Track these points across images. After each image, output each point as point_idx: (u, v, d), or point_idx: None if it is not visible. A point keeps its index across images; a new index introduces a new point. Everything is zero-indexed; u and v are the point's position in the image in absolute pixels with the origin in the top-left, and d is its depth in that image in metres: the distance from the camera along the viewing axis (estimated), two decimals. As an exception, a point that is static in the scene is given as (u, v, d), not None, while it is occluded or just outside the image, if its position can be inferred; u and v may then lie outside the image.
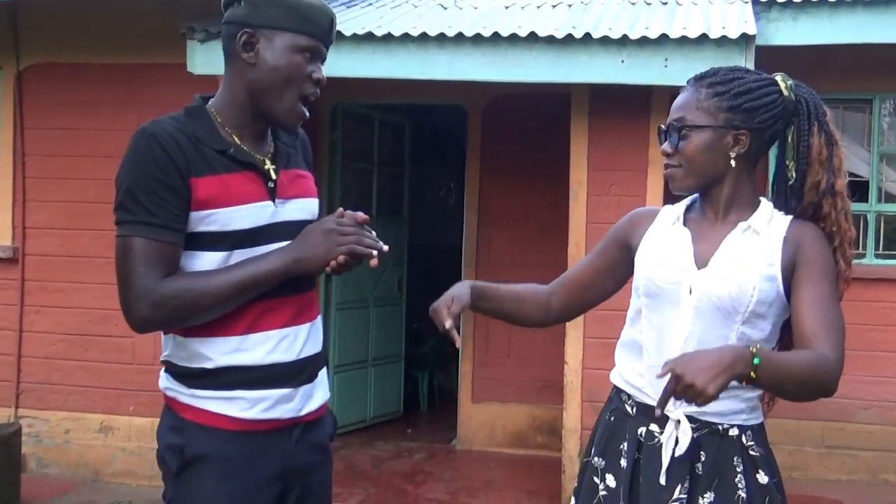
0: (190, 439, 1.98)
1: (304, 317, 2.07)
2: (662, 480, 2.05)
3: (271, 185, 2.02)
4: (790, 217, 2.09)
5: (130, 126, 6.17)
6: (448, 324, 2.06)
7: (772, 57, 4.90)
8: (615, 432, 2.17)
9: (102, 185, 5.63)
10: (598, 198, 5.27)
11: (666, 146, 2.11)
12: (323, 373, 2.17)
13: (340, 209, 2.03)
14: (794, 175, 2.09)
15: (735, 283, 2.01)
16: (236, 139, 2.01)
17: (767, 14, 5.06)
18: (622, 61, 4.85)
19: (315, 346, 2.11)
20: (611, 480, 2.15)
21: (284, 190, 2.05)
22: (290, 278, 2.00)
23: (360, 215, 2.02)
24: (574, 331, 5.26)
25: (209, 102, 2.06)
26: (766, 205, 2.12)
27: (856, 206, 5.47)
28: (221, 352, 1.98)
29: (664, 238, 2.16)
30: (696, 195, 2.19)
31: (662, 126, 2.14)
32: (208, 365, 1.99)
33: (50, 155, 5.77)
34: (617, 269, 2.28)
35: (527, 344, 6.37)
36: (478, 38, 4.92)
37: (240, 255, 1.96)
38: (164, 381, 2.07)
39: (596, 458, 2.20)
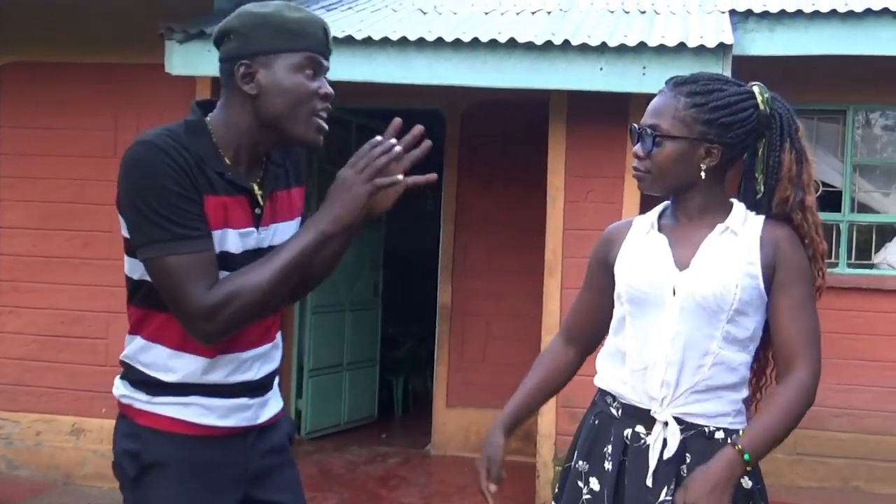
0: (146, 445, 1.97)
1: (265, 338, 2.07)
2: (649, 482, 2.05)
3: (258, 211, 2.00)
4: (763, 217, 2.11)
5: (107, 126, 6.18)
6: (491, 489, 2.23)
7: (748, 67, 4.94)
8: (599, 435, 2.17)
9: (78, 186, 5.61)
10: (575, 204, 5.29)
11: (638, 149, 2.11)
12: (276, 381, 2.17)
13: (377, 138, 1.97)
14: (762, 189, 2.11)
15: (719, 282, 2.03)
16: (229, 161, 1.96)
17: (744, 24, 5.10)
18: (601, 68, 4.88)
19: (273, 365, 2.11)
20: (595, 484, 2.14)
21: (269, 217, 2.02)
22: None
23: (377, 139, 1.96)
24: (549, 336, 5.25)
25: (207, 117, 1.99)
26: (739, 206, 2.14)
27: (829, 216, 5.54)
28: (187, 370, 1.96)
29: (641, 246, 2.17)
30: (667, 202, 2.21)
31: (636, 126, 2.13)
32: (169, 378, 1.96)
33: (25, 154, 5.72)
34: (610, 291, 2.26)
35: (502, 349, 6.38)
36: (457, 43, 4.93)
37: (222, 276, 1.92)
38: (120, 388, 2.04)
39: (580, 463, 2.19)
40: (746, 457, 1.96)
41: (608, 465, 2.12)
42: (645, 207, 5.34)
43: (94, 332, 5.62)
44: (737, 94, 2.09)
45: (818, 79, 5.39)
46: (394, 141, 1.95)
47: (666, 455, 2.05)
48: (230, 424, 2.01)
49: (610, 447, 2.13)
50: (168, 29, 5.07)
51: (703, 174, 2.08)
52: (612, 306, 2.25)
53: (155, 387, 1.97)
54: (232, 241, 1.94)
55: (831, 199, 5.60)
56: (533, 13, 5.71)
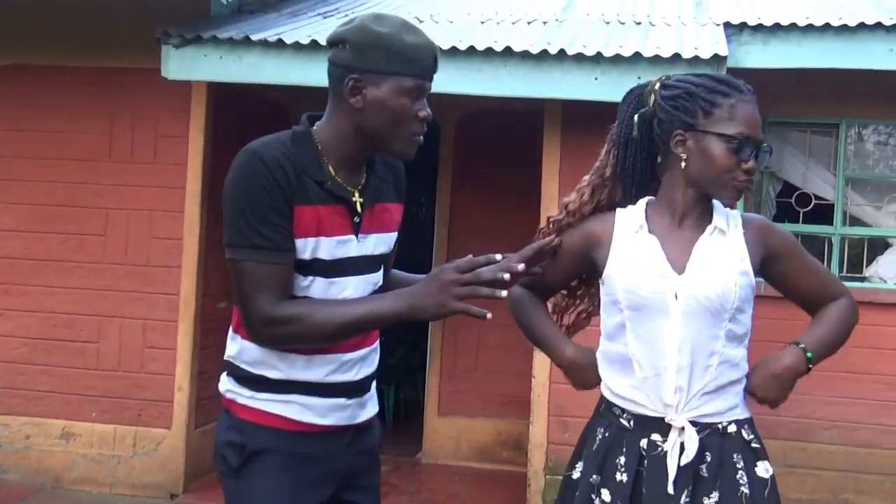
0: (249, 436, 2.06)
1: (366, 342, 2.15)
2: (671, 490, 2.05)
3: (357, 219, 2.07)
4: (737, 212, 2.21)
5: (102, 130, 6.19)
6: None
7: (743, 79, 4.96)
8: (612, 447, 2.16)
9: (71, 189, 5.61)
10: (568, 213, 5.29)
11: (753, 165, 2.10)
12: (374, 385, 2.24)
13: (470, 256, 1.98)
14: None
15: (720, 283, 2.08)
16: (332, 170, 2.04)
17: (739, 37, 5.13)
18: (596, 78, 4.89)
19: (370, 368, 2.19)
20: (606, 495, 2.13)
21: (368, 225, 2.10)
22: None
23: (485, 258, 1.96)
24: (542, 345, 5.27)
25: (315, 126, 2.07)
26: (717, 203, 2.19)
27: (821, 229, 5.57)
28: (288, 366, 2.05)
29: (633, 248, 2.16)
30: (649, 198, 2.22)
31: (767, 145, 2.14)
32: (272, 374, 2.06)
33: (19, 157, 5.71)
34: (574, 276, 2.35)
35: (494, 358, 6.38)
36: (453, 52, 4.95)
37: (320, 282, 2.02)
38: (225, 383, 2.14)
39: (593, 476, 2.16)
40: (809, 355, 2.14)
41: (621, 477, 2.11)
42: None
43: (86, 336, 5.61)
44: None
45: (812, 92, 5.41)
46: (507, 277, 1.94)
47: (685, 460, 2.06)
48: (328, 423, 2.10)
49: (623, 458, 2.12)
50: (164, 33, 5.08)
51: None
52: (568, 285, 2.32)
53: (258, 383, 2.06)
54: (325, 248, 2.02)
55: (823, 213, 5.62)
56: (529, 23, 5.73)
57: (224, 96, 5.48)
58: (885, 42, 4.97)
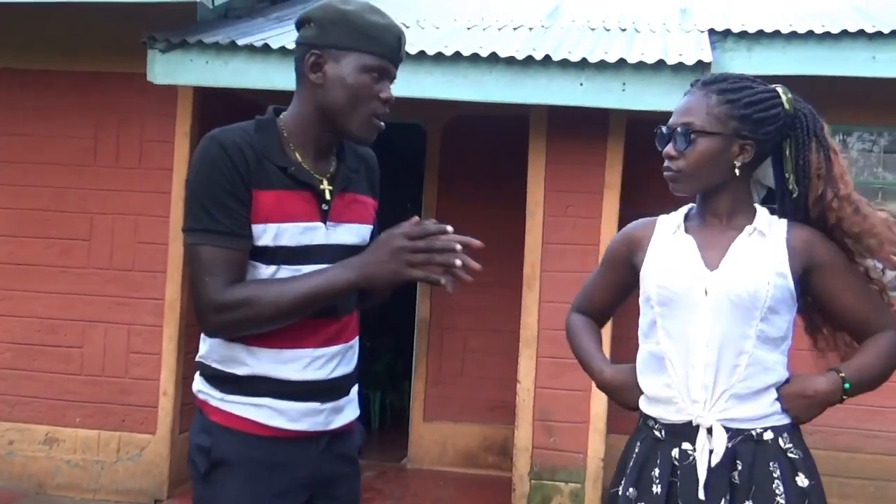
0: (217, 442, 2.02)
1: (339, 339, 2.10)
2: (702, 495, 2.01)
3: (325, 206, 2.04)
4: (785, 220, 2.13)
5: (87, 134, 6.18)
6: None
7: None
8: (647, 460, 2.14)
9: (56, 193, 5.59)
10: (554, 218, 5.32)
11: (670, 149, 2.11)
12: (354, 390, 2.20)
13: (416, 218, 1.97)
14: (794, 188, 2.11)
15: (752, 280, 2.04)
16: (298, 157, 2.02)
17: (723, 43, 5.16)
18: (581, 84, 4.91)
19: (347, 368, 2.14)
20: None
21: (338, 214, 2.06)
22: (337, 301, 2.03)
23: (437, 227, 1.94)
24: (527, 350, 5.29)
25: (280, 116, 2.07)
26: (763, 210, 2.15)
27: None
28: (256, 361, 2.01)
29: (669, 247, 2.16)
30: (692, 205, 2.21)
31: (665, 127, 2.13)
32: (241, 371, 2.01)
33: (3, 161, 5.69)
34: (625, 287, 2.32)
35: (480, 363, 6.39)
36: (439, 57, 4.96)
37: (287, 270, 1.98)
38: (197, 383, 2.11)
39: (629, 490, 2.14)
40: (847, 385, 2.07)
41: (657, 489, 2.08)
42: (623, 222, 5.39)
43: (70, 342, 5.58)
44: (766, 92, 2.11)
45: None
46: (459, 248, 1.92)
47: (714, 461, 2.02)
48: (301, 428, 2.04)
49: (657, 470, 2.10)
50: (150, 38, 5.07)
51: (737, 171, 2.09)
52: (623, 300, 2.30)
53: (228, 382, 2.02)
54: (289, 234, 1.98)
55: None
56: (515, 29, 5.75)
57: (210, 101, 5.48)
58: (867, 49, 5.01)
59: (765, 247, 2.07)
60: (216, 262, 1.92)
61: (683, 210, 2.23)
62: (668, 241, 2.17)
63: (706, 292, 2.06)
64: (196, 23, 5.48)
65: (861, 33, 5.00)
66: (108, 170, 5.59)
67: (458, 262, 1.90)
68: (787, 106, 2.10)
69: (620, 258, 2.27)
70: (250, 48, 5.01)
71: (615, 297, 2.36)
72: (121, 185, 5.56)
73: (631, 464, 2.17)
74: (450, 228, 1.94)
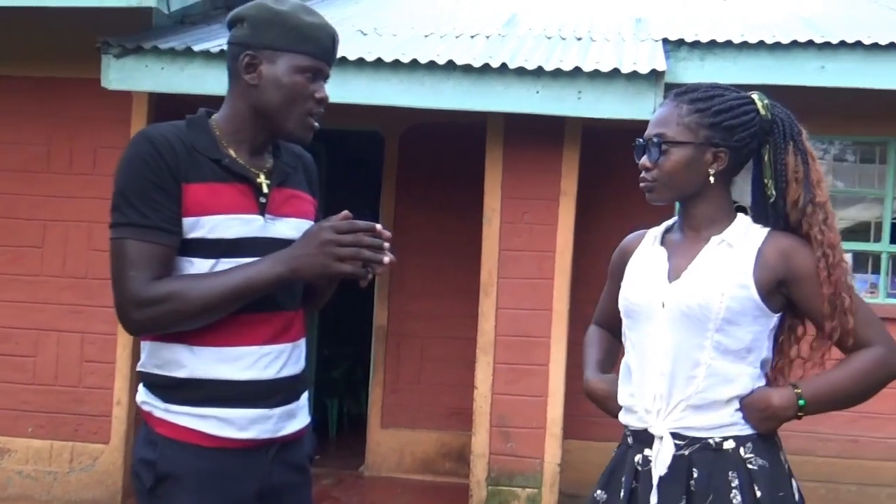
0: (163, 455, 1.95)
1: (286, 336, 2.04)
2: (653, 502, 2.03)
3: (263, 199, 2.01)
4: (767, 229, 2.11)
5: (42, 141, 6.08)
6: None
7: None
8: (618, 465, 2.16)
9: (8, 200, 5.51)
10: (511, 225, 5.35)
11: (645, 160, 2.13)
12: (305, 395, 2.14)
13: (346, 212, 1.97)
14: (773, 193, 2.11)
15: (703, 291, 2.04)
16: (232, 152, 2.01)
17: (677, 53, 5.24)
18: (537, 92, 4.96)
19: (296, 368, 2.08)
20: None
21: (277, 207, 2.03)
22: (277, 294, 1.99)
23: (366, 224, 1.95)
24: (484, 356, 5.31)
25: (212, 116, 2.06)
26: (742, 219, 2.14)
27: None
28: (196, 361, 1.95)
29: (644, 258, 2.19)
30: (676, 218, 2.23)
31: (640, 140, 2.15)
32: (181, 374, 1.95)
33: (-46, 167, 5.60)
34: None
35: (437, 370, 6.40)
36: (396, 64, 4.98)
37: (226, 264, 1.94)
38: (141, 394, 2.03)
39: (598, 492, 2.17)
40: (801, 402, 2.03)
41: (622, 493, 2.10)
42: (579, 229, 5.45)
43: (23, 350, 5.50)
44: (737, 99, 2.11)
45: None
46: (387, 245, 1.94)
47: (660, 471, 2.03)
48: (250, 437, 1.98)
49: (624, 476, 2.12)
50: (105, 43, 5.03)
51: (712, 178, 2.10)
52: None
53: (169, 389, 1.96)
54: (227, 226, 1.95)
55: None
56: (472, 37, 5.78)
57: (166, 107, 5.43)
58: (817, 59, 5.12)
59: (730, 257, 2.07)
60: (141, 257, 1.87)
61: (669, 222, 2.25)
62: (646, 252, 2.20)
63: (663, 304, 2.08)
64: (151, 28, 5.44)
65: (810, 44, 5.11)
66: (62, 176, 5.52)
67: (387, 260, 1.92)
68: (763, 112, 2.11)
69: (616, 269, 2.29)
70: (206, 54, 4.99)
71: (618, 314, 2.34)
72: (74, 191, 5.50)
73: (607, 468, 2.22)
74: (378, 226, 1.95)
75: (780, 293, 2.07)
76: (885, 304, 5.74)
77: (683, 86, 2.16)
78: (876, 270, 5.81)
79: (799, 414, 2.04)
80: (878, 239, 5.79)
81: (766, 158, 2.13)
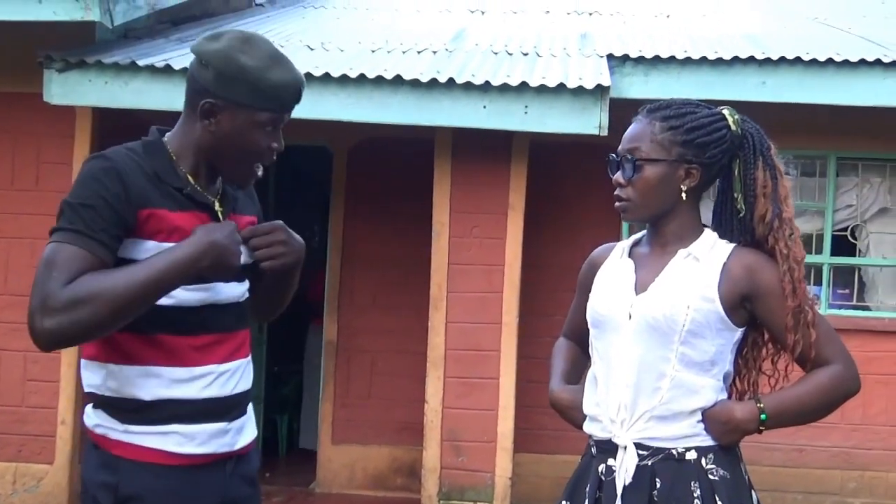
0: (124, 477, 1.93)
1: (239, 353, 2.07)
2: None
3: (221, 222, 2.02)
4: (733, 245, 2.13)
5: (-19, 155, 5.88)
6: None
7: (627, 109, 5.12)
8: (582, 475, 2.17)
9: (-53, 216, 5.39)
10: (459, 239, 5.37)
11: (618, 177, 2.13)
12: (251, 408, 2.17)
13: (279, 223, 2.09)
14: (743, 207, 2.14)
15: (669, 303, 2.06)
16: (190, 179, 2.00)
17: (622, 68, 5.31)
18: (484, 107, 4.99)
19: (247, 383, 2.11)
20: None
21: None
22: (230, 316, 2.01)
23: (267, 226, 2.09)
24: (435, 370, 5.31)
25: (165, 136, 2.03)
26: (709, 234, 2.16)
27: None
28: (160, 383, 1.94)
29: (611, 271, 2.21)
30: (643, 232, 2.24)
31: (614, 155, 2.16)
32: (145, 396, 1.94)
33: None
34: None
35: (388, 385, 6.38)
36: (344, 79, 4.98)
37: (185, 289, 1.93)
38: (93, 417, 2.00)
39: (563, 503, 2.18)
40: (763, 416, 2.06)
41: (586, 503, 2.12)
42: (528, 243, 5.48)
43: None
44: (709, 116, 2.13)
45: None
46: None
47: (625, 480, 2.05)
48: (210, 451, 2.00)
49: (588, 485, 2.13)
50: (47, 57, 4.96)
51: (684, 195, 2.12)
52: None
53: (129, 411, 1.95)
54: None
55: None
56: (419, 52, 5.80)
57: (110, 122, 5.37)
58: (758, 75, 5.22)
59: (696, 270, 2.10)
60: (72, 262, 1.80)
61: (637, 235, 2.27)
62: (614, 264, 2.22)
63: (630, 316, 2.10)
64: (95, 43, 5.38)
65: (751, 59, 5.22)
66: (3, 192, 5.43)
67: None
68: (733, 127, 2.14)
69: (585, 281, 2.30)
70: (151, 69, 4.94)
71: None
72: (16, 208, 5.40)
73: (571, 478, 2.23)
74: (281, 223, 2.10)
75: (744, 308, 2.10)
76: (827, 314, 5.84)
77: (656, 101, 2.17)
78: (818, 282, 5.92)
79: (760, 428, 2.07)
80: (819, 251, 5.90)
81: (736, 173, 2.15)
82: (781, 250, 2.09)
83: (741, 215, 2.15)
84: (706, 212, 2.23)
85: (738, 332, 2.12)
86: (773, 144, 2.18)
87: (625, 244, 2.26)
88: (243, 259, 2.04)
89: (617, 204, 2.16)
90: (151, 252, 1.91)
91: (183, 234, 1.94)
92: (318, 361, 6.90)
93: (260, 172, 2.05)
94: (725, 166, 2.16)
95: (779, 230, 2.10)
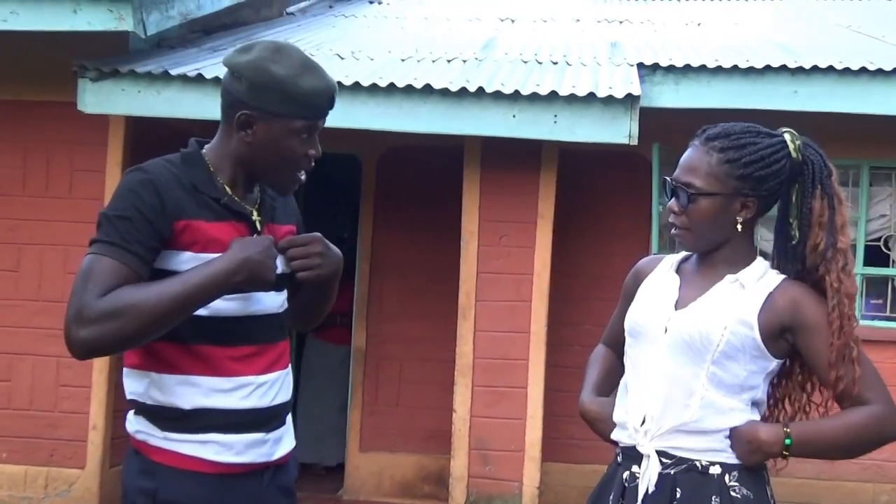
0: (163, 483, 1.97)
1: (279, 364, 2.09)
2: None
3: (257, 236, 2.04)
4: (783, 276, 2.10)
5: (16, 164, 6.05)
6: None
7: (656, 118, 5.11)
8: (607, 483, 2.18)
9: (-17, 223, 5.46)
10: (488, 248, 5.36)
11: (673, 205, 2.12)
12: (290, 418, 2.19)
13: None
14: (797, 234, 2.11)
15: (706, 321, 2.05)
16: (228, 189, 2.03)
17: (652, 77, 5.28)
18: (513, 116, 4.99)
19: (286, 394, 2.13)
20: None
21: None
22: (269, 327, 2.03)
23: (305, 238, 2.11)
24: (463, 379, 5.31)
25: (204, 149, 2.07)
26: (760, 262, 2.13)
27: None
28: (199, 392, 1.97)
29: (657, 283, 2.20)
30: None
31: (669, 179, 2.14)
32: (185, 405, 1.97)
33: (-73, 191, 5.56)
34: None
35: (416, 393, 6.38)
36: (374, 88, 5.00)
37: (223, 301, 1.96)
38: (135, 424, 2.04)
39: None
40: (788, 441, 2.02)
41: None
42: (557, 252, 5.46)
43: (-4, 375, 5.45)
44: (769, 147, 2.08)
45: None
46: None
47: (643, 488, 2.05)
48: (247, 461, 2.02)
49: (613, 492, 2.14)
50: (81, 66, 5.02)
51: (739, 227, 2.09)
52: None
53: (171, 420, 1.98)
54: None
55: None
56: (449, 61, 5.81)
57: (142, 130, 5.43)
58: (790, 84, 5.18)
59: (739, 296, 2.08)
60: (108, 274, 1.85)
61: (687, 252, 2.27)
62: (660, 277, 2.21)
63: (666, 329, 2.10)
64: (128, 52, 5.43)
65: (783, 68, 5.18)
66: (38, 199, 5.49)
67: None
68: (794, 154, 2.10)
69: (629, 290, 2.30)
70: (184, 78, 4.99)
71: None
72: (50, 214, 5.47)
73: (597, 485, 2.23)
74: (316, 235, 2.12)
75: (785, 340, 2.07)
76: (861, 326, 5.77)
77: (714, 125, 2.14)
78: (850, 292, 5.86)
79: (784, 453, 2.04)
80: (851, 261, 5.84)
81: (793, 199, 2.12)
82: (833, 283, 2.05)
83: (793, 242, 2.11)
84: (765, 231, 2.19)
85: (774, 363, 2.09)
86: (834, 170, 2.13)
87: (674, 258, 2.24)
88: (280, 269, 2.06)
89: (673, 232, 2.15)
90: (188, 263, 1.93)
91: (220, 245, 1.96)
92: (320, 373, 6.94)
93: (303, 178, 2.08)
94: (785, 192, 2.12)
95: (831, 261, 2.06)
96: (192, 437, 1.98)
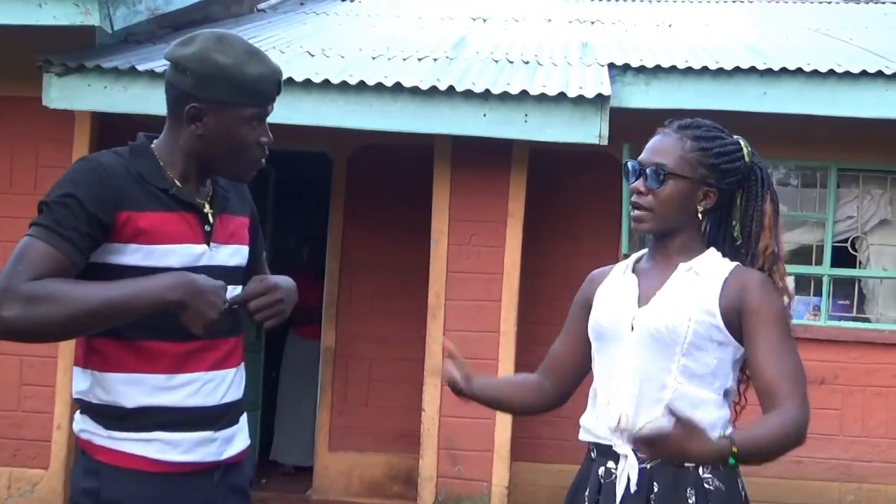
0: (106, 483, 1.93)
1: (229, 362, 2.06)
2: None
3: (208, 228, 2.02)
4: (735, 263, 2.15)
5: (-22, 159, 5.87)
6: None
7: (626, 119, 5.12)
8: (582, 480, 2.19)
9: (-56, 220, 5.37)
10: (458, 247, 5.35)
11: (640, 184, 2.14)
12: (244, 418, 2.15)
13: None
14: (739, 236, 2.18)
15: (671, 314, 2.07)
16: (177, 181, 2.00)
17: (622, 77, 5.30)
18: (484, 115, 4.98)
19: (237, 392, 2.09)
20: None
21: (220, 235, 2.04)
22: (218, 321, 1.95)
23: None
24: (432, 378, 5.29)
25: (153, 143, 2.04)
26: (713, 251, 2.18)
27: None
28: (142, 391, 1.94)
29: (614, 286, 2.22)
30: (645, 250, 2.25)
31: (635, 163, 2.16)
32: (128, 404, 1.94)
33: None
34: (588, 334, 2.27)
35: (385, 393, 6.36)
36: (344, 86, 4.97)
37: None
38: (79, 423, 2.01)
39: None
40: (732, 461, 1.95)
41: None
42: (527, 251, 5.46)
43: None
44: (732, 144, 2.17)
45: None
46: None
47: (624, 489, 2.06)
48: (194, 459, 1.98)
49: (588, 489, 2.15)
50: (46, 61, 4.95)
51: (699, 215, 2.15)
52: (589, 350, 2.25)
53: (115, 419, 1.94)
54: (178, 255, 1.95)
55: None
56: (420, 60, 5.79)
57: (109, 126, 5.36)
58: (759, 85, 5.22)
59: (697, 284, 2.11)
60: (39, 258, 1.82)
61: (638, 254, 2.29)
62: (617, 280, 2.24)
63: (632, 327, 2.11)
64: (95, 47, 5.37)
65: (753, 70, 5.21)
66: (1, 196, 5.42)
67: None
68: (746, 158, 2.18)
69: (582, 299, 2.31)
70: (151, 74, 4.93)
71: (576, 353, 2.31)
72: (14, 211, 5.37)
73: (571, 485, 2.24)
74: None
75: (740, 323, 2.10)
76: (827, 326, 5.83)
77: (685, 118, 2.20)
78: (818, 293, 5.91)
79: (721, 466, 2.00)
80: (819, 262, 5.89)
81: (738, 202, 2.19)
82: (777, 283, 2.13)
83: (737, 243, 2.18)
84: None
85: (741, 350, 2.10)
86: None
87: (627, 262, 2.27)
88: (234, 262, 2.05)
89: (634, 212, 2.17)
90: (134, 254, 1.91)
91: (167, 236, 1.94)
92: (299, 370, 6.91)
93: (262, 162, 2.05)
94: (732, 194, 2.19)
95: (776, 265, 2.14)
96: (135, 436, 1.95)
